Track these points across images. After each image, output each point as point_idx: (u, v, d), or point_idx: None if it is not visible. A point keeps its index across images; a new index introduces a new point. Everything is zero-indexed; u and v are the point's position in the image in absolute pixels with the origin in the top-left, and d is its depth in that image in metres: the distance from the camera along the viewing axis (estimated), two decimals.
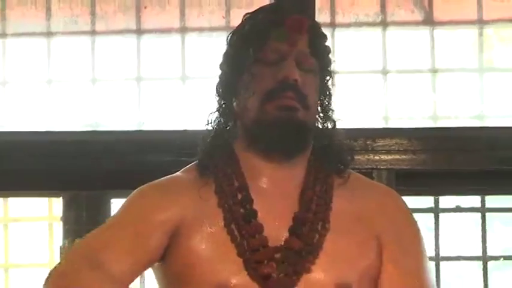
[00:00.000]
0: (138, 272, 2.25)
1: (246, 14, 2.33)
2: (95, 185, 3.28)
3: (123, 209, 2.33)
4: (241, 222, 2.22)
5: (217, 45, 3.47)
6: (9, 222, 3.50)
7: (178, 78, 3.43)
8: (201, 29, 3.46)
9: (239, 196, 2.25)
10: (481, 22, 3.43)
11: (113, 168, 3.25)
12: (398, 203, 2.37)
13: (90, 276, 2.18)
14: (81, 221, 3.25)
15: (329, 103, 2.33)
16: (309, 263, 2.19)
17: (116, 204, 3.28)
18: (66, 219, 3.28)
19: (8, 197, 3.43)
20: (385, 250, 2.27)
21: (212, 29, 3.43)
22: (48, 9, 3.45)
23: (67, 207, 3.29)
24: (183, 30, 3.46)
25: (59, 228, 3.34)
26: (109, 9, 3.48)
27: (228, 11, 3.42)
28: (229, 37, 2.34)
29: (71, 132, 3.38)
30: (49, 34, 3.45)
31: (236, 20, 3.11)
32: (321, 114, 2.32)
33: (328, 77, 2.33)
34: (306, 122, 2.24)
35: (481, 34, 3.43)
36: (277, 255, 2.19)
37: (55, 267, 2.23)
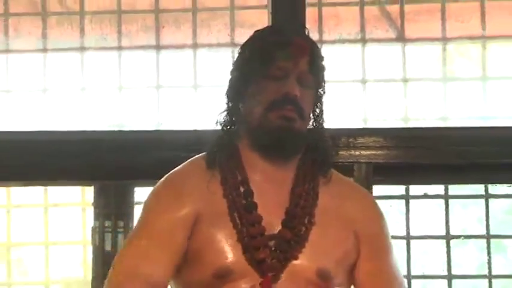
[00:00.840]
0: (174, 269, 2.33)
1: (256, 31, 2.43)
2: (120, 176, 3.41)
3: (146, 215, 2.39)
4: (243, 211, 2.29)
5: (224, 58, 3.56)
6: (49, 206, 3.60)
7: (191, 86, 3.54)
8: (210, 45, 3.55)
9: (241, 189, 2.31)
10: (444, 39, 3.52)
11: (136, 162, 3.38)
12: (376, 206, 2.49)
13: None
14: (110, 206, 3.39)
15: (321, 113, 2.41)
16: (296, 252, 2.28)
17: (138, 192, 3.44)
18: (96, 205, 3.42)
19: (48, 186, 3.56)
20: (362, 247, 2.39)
21: (219, 45, 3.55)
22: (82, 29, 3.56)
23: (97, 194, 3.43)
24: (195, 46, 3.56)
25: (90, 212, 3.46)
26: (133, 29, 3.59)
27: (232, 30, 3.54)
28: (240, 50, 2.43)
29: (101, 131, 3.51)
30: (82, 49, 3.57)
31: (239, 37, 3.50)
32: (313, 122, 2.40)
33: (322, 91, 2.42)
34: (300, 130, 2.32)
35: (444, 49, 3.52)
36: (271, 243, 2.27)
37: (105, 286, 2.30)
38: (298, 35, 2.42)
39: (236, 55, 2.45)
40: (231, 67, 2.43)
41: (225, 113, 2.39)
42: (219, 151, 2.37)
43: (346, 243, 2.35)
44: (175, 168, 2.42)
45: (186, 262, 2.31)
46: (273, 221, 2.29)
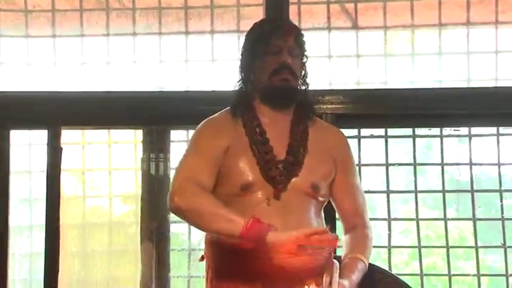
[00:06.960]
0: (215, 179, 2.62)
1: (255, 23, 2.79)
2: (160, 122, 3.81)
3: (195, 142, 2.66)
4: (259, 144, 2.64)
5: (232, 41, 3.90)
6: (111, 143, 4.01)
7: (209, 60, 3.97)
8: (222, 32, 3.96)
9: (257, 130, 2.65)
10: (385, 27, 3.94)
11: (171, 113, 3.77)
12: (345, 138, 2.86)
13: (196, 189, 2.56)
14: (153, 143, 3.81)
15: (305, 74, 2.77)
16: (297, 171, 2.63)
17: (173, 134, 3.81)
18: (144, 142, 3.87)
19: (111, 129, 4.00)
20: (338, 168, 2.74)
21: (229, 31, 3.95)
22: (134, 20, 3.98)
23: (145, 135, 3.87)
24: (212, 32, 3.99)
25: (140, 147, 3.90)
26: (169, 20, 4.00)
27: (238, 21, 3.95)
28: (246, 37, 2.75)
29: (147, 92, 3.92)
30: (134, 34, 4.00)
31: (243, 26, 3.83)
32: (301, 81, 2.75)
33: (305, 59, 2.78)
34: (295, 87, 2.69)
35: (385, 34, 3.94)
36: (280, 166, 2.63)
37: (172, 190, 2.56)
38: (285, 22, 2.85)
39: (242, 40, 2.81)
40: (240, 50, 2.78)
41: (240, 81, 2.76)
42: (239, 106, 2.72)
43: (328, 165, 2.72)
44: (210, 117, 2.75)
45: (221, 178, 2.65)
46: (279, 150, 2.66)
